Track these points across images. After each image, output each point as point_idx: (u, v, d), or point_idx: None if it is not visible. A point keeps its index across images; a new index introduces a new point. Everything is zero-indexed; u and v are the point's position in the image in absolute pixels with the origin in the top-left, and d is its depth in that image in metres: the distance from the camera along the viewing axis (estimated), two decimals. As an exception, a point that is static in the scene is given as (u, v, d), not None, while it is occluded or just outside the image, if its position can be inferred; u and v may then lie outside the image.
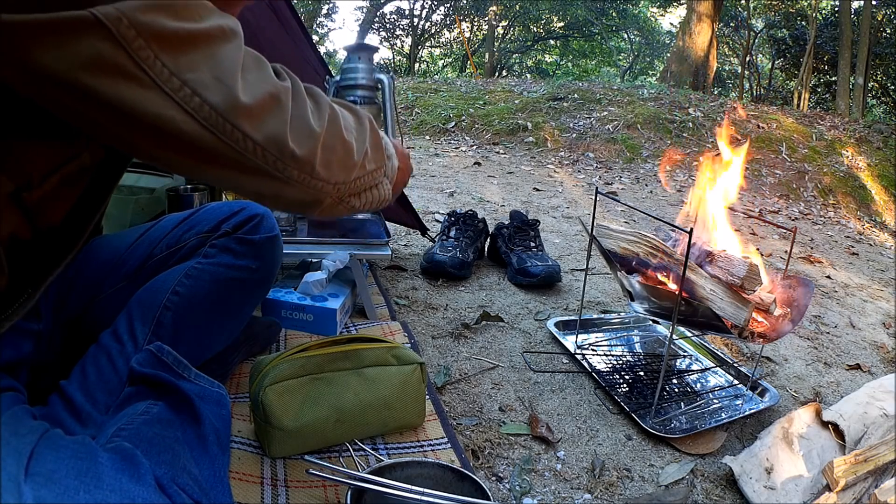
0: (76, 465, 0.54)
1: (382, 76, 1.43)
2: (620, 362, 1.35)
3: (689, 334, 1.43)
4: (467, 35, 14.59)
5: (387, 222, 1.60)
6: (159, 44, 0.49)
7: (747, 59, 11.11)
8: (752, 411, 1.19)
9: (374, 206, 0.73)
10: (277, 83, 0.58)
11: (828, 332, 1.73)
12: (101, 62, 0.47)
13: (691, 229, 1.02)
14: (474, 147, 4.45)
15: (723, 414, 1.17)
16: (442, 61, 16.70)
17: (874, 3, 7.88)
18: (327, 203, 0.65)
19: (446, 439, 1.00)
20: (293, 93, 0.59)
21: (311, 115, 0.61)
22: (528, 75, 13.57)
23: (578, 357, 1.33)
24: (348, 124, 0.67)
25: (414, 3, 14.45)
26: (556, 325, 1.47)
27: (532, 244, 1.87)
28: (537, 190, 3.30)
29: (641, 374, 1.31)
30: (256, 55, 0.58)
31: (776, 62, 10.81)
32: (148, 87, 0.49)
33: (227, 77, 0.53)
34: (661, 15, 14.29)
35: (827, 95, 9.15)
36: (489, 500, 0.79)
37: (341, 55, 15.71)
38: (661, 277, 1.20)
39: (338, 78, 1.43)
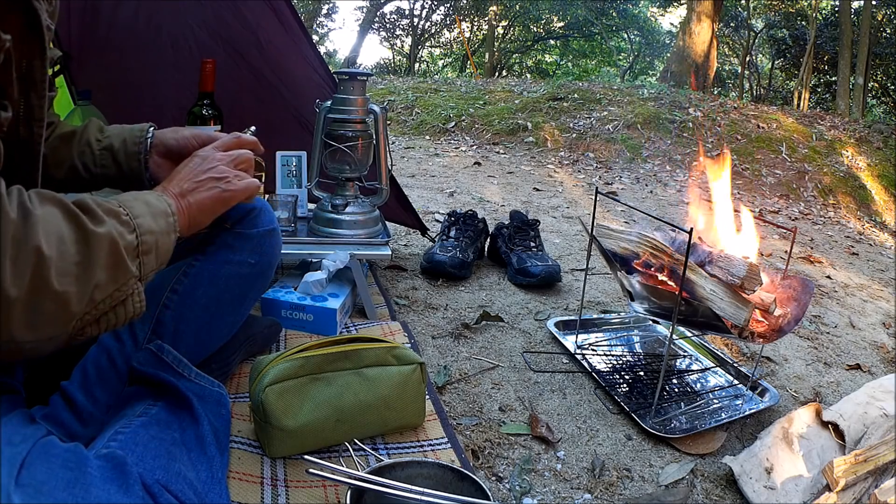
0: (65, 476, 0.54)
1: (375, 107, 1.45)
2: (620, 362, 1.35)
3: (689, 334, 1.43)
4: (467, 35, 14.59)
5: (387, 222, 1.60)
6: None
7: (747, 59, 11.11)
8: (752, 411, 1.19)
9: (123, 324, 0.65)
10: None
11: (828, 332, 1.73)
12: None
13: (691, 229, 1.02)
14: (474, 147, 4.45)
15: (723, 414, 1.17)
16: (442, 61, 16.70)
17: (874, 3, 7.88)
18: (49, 350, 0.59)
19: (446, 439, 1.00)
20: None
21: (5, 277, 0.51)
22: (528, 75, 13.56)
23: (578, 357, 1.33)
24: (64, 264, 0.56)
25: (414, 3, 14.46)
26: (556, 325, 1.47)
27: (532, 244, 1.87)
28: (537, 190, 3.30)
29: (641, 374, 1.31)
30: None
31: (776, 62, 10.81)
32: None
33: None
34: (661, 15, 14.28)
35: (827, 95, 9.15)
36: (489, 500, 0.79)
37: (341, 55, 15.72)
38: (661, 277, 1.20)
39: (328, 103, 1.44)
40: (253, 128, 0.95)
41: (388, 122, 2.49)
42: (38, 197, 0.57)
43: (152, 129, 0.93)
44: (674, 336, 1.12)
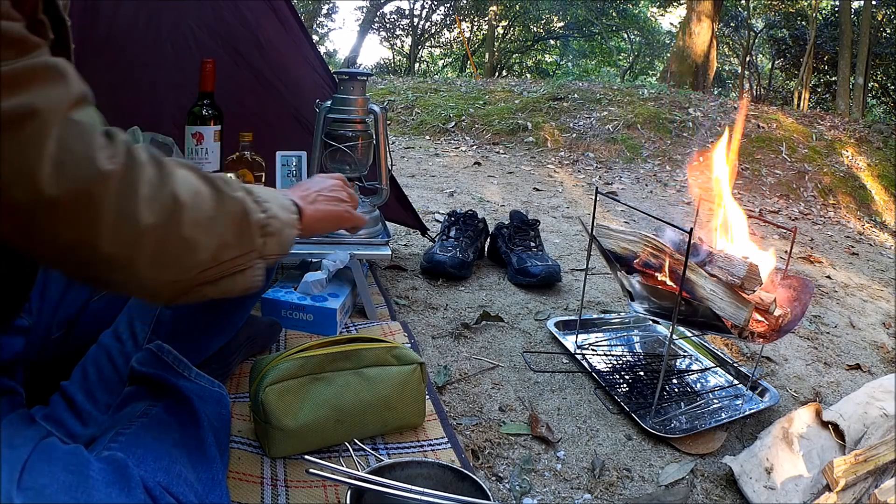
0: (67, 480, 0.54)
1: (374, 106, 1.45)
2: (620, 362, 1.35)
3: (689, 334, 1.43)
4: (467, 35, 14.59)
5: (387, 222, 1.60)
6: None
7: (747, 59, 11.11)
8: (752, 411, 1.19)
9: (239, 293, 0.66)
10: (96, 171, 0.50)
11: (828, 332, 1.73)
12: None
13: (691, 229, 1.02)
14: (474, 147, 4.45)
15: (723, 414, 1.17)
16: (442, 61, 16.70)
17: (874, 3, 7.88)
18: (165, 297, 0.61)
19: (446, 439, 1.00)
20: (120, 182, 0.52)
21: (138, 209, 0.53)
22: (528, 75, 13.56)
23: (578, 357, 1.33)
24: (198, 214, 0.58)
25: (414, 3, 14.46)
26: (556, 325, 1.47)
27: (532, 244, 1.87)
28: (537, 190, 3.30)
29: (641, 374, 1.31)
30: (82, 126, 0.51)
31: (776, 62, 10.81)
32: None
33: (32, 168, 0.47)
34: (661, 15, 14.27)
35: (827, 95, 9.15)
36: (489, 500, 0.79)
37: (342, 55, 15.72)
38: (661, 277, 1.20)
39: (328, 103, 1.44)
40: None
41: (388, 122, 2.49)
42: (174, 160, 0.59)
43: None
44: (674, 336, 1.12)
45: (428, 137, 4.75)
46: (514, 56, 15.24)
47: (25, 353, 0.77)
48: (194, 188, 0.59)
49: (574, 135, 4.59)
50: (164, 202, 0.55)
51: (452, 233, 1.86)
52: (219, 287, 0.63)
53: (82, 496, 0.54)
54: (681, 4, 11.65)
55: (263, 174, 1.53)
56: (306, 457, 0.80)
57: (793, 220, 3.46)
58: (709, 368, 1.37)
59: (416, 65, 14.96)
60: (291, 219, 0.73)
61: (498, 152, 4.33)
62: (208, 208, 0.60)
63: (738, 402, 1.23)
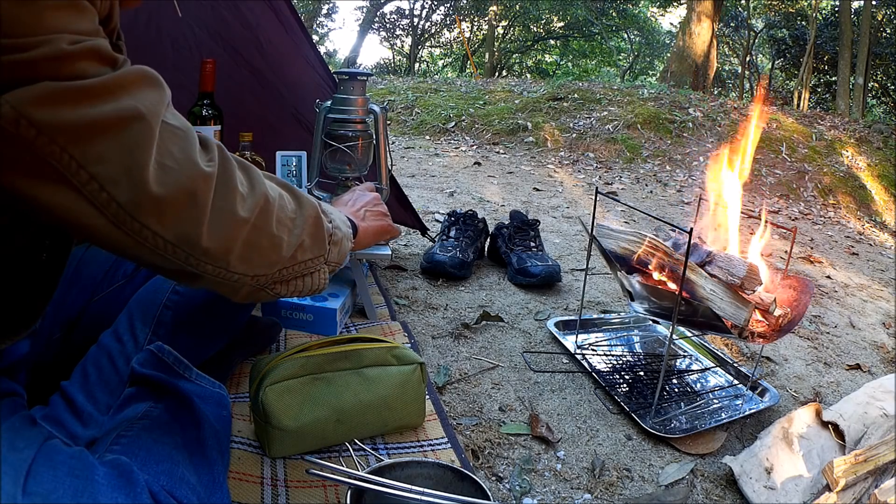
0: (73, 484, 0.54)
1: (374, 106, 1.45)
2: (620, 362, 1.35)
3: (689, 334, 1.43)
4: (467, 35, 14.59)
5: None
6: (65, 137, 0.46)
7: (747, 59, 11.11)
8: (752, 411, 1.19)
9: (306, 294, 0.72)
10: (199, 172, 0.54)
11: (828, 332, 1.73)
12: (11, 163, 0.46)
13: (691, 229, 1.02)
14: (474, 147, 4.45)
15: (723, 414, 1.17)
16: (442, 61, 16.70)
17: (874, 3, 7.88)
18: (244, 292, 0.64)
19: (446, 439, 1.00)
20: (218, 181, 0.56)
21: (236, 206, 0.58)
22: (528, 75, 13.57)
23: (578, 357, 1.33)
24: (283, 215, 0.64)
25: (414, 3, 14.47)
26: (556, 325, 1.47)
27: (532, 244, 1.87)
28: (537, 190, 3.30)
29: (641, 374, 1.31)
30: (179, 130, 0.54)
31: (776, 62, 10.81)
32: (57, 181, 0.48)
33: (138, 168, 0.49)
34: (661, 15, 14.28)
35: (827, 95, 9.15)
36: (489, 500, 0.79)
37: (342, 55, 15.72)
38: (661, 277, 1.20)
39: (328, 103, 1.44)
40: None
41: (388, 122, 2.50)
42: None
43: None
44: (674, 336, 1.12)
45: (428, 137, 4.75)
46: (514, 56, 15.24)
47: (29, 355, 0.77)
48: (278, 191, 0.65)
49: (574, 135, 4.59)
50: (258, 200, 0.60)
51: (452, 233, 1.86)
52: (290, 287, 0.68)
53: (88, 500, 0.54)
54: (681, 4, 11.65)
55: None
56: (306, 457, 0.80)
57: (793, 220, 3.46)
58: (709, 368, 1.37)
59: (416, 65, 14.97)
60: (349, 233, 0.79)
61: (498, 152, 4.33)
62: (291, 210, 0.65)
63: (738, 402, 1.23)
